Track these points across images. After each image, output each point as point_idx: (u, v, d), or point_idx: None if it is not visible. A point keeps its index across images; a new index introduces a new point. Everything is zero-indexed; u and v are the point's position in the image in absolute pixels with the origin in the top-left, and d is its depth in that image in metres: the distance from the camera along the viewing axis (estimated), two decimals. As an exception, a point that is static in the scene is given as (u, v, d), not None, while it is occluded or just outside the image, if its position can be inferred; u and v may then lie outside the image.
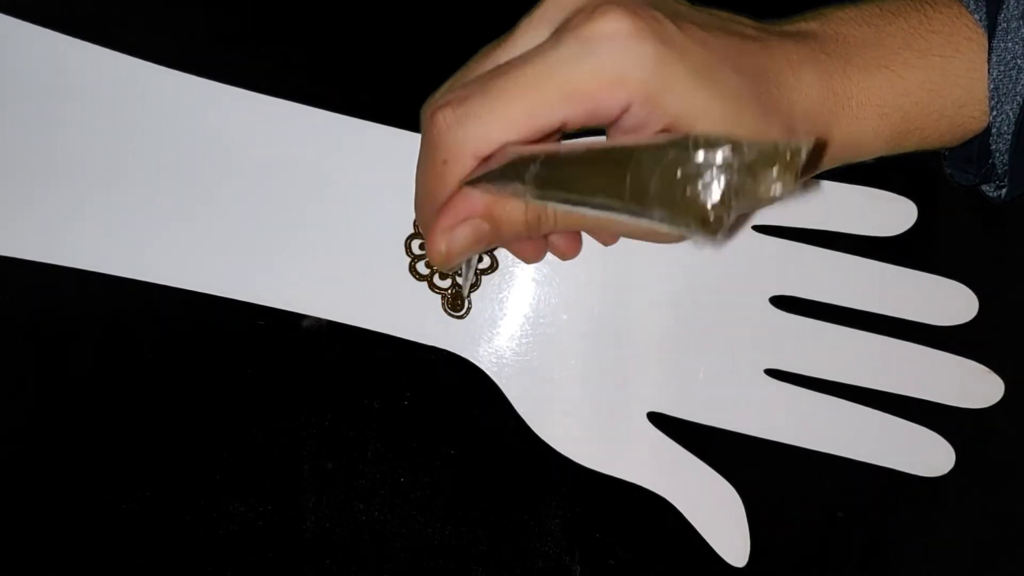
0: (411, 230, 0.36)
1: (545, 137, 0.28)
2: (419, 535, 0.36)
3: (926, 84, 0.31)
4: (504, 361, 0.37)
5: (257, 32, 0.38)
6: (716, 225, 0.25)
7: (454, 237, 0.28)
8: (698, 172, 0.24)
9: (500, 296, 0.37)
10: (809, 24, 0.32)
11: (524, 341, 0.37)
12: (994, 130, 0.32)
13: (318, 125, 0.36)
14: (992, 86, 0.31)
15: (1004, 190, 0.34)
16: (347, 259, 0.36)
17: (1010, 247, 0.38)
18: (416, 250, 0.36)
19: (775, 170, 0.24)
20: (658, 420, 0.36)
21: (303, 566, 0.36)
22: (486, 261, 0.37)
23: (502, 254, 0.37)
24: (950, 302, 0.37)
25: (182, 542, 0.36)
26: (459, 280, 0.36)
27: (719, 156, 0.24)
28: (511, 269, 0.37)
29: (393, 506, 0.36)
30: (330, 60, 0.37)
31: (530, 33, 0.29)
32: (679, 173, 0.24)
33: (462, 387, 0.37)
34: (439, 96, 0.29)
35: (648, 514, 0.36)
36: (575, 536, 0.36)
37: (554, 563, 0.36)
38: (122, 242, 0.36)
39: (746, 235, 0.37)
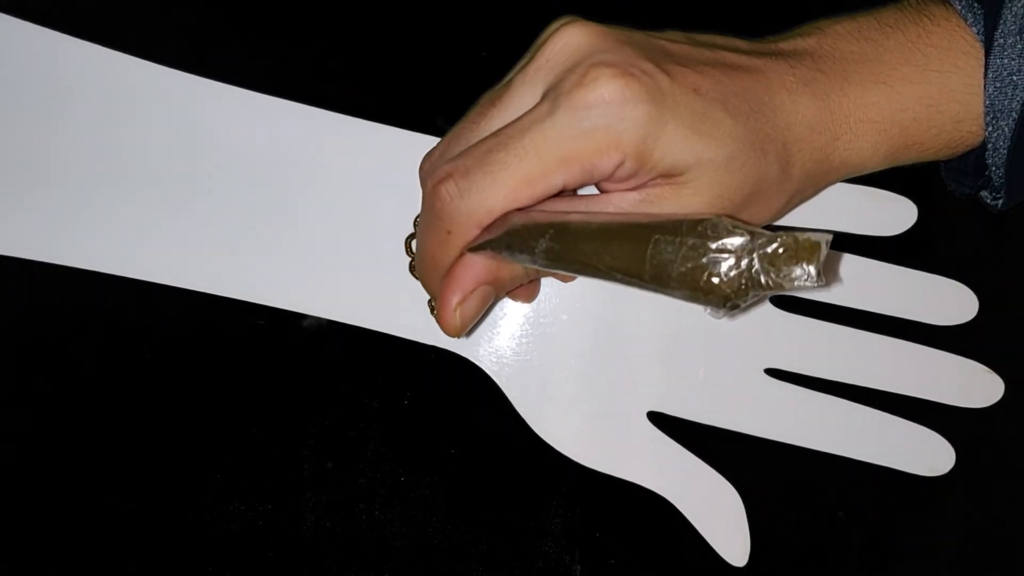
0: (411, 230, 0.36)
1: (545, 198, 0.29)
2: (419, 535, 0.36)
3: (924, 99, 0.31)
4: (504, 361, 0.37)
5: (257, 32, 0.38)
6: (735, 306, 0.25)
7: (465, 310, 0.30)
8: (717, 260, 0.25)
9: (500, 296, 0.37)
10: (806, 40, 0.32)
11: (524, 341, 0.37)
12: (990, 146, 0.32)
13: (318, 125, 0.36)
14: (988, 102, 0.31)
15: (1001, 201, 0.34)
16: (347, 259, 0.36)
17: (1010, 247, 0.38)
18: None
19: (795, 262, 0.25)
20: (658, 420, 0.36)
21: (303, 566, 0.36)
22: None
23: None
24: (950, 302, 0.37)
25: (182, 542, 0.36)
26: None
27: (738, 244, 0.25)
28: (511, 269, 0.37)
29: (393, 506, 0.36)
30: (330, 60, 0.37)
31: (524, 90, 0.29)
32: (699, 260, 0.25)
33: (462, 387, 0.37)
34: (438, 159, 0.30)
35: (648, 514, 0.36)
36: (575, 536, 0.36)
37: (554, 563, 0.36)
38: (122, 242, 0.36)
39: (746, 235, 0.37)
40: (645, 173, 0.28)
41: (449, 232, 0.29)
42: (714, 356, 0.37)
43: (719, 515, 0.36)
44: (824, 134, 0.31)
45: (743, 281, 0.25)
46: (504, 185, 0.28)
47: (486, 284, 0.30)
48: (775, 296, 0.37)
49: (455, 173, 0.28)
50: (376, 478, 0.36)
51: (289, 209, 0.36)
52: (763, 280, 0.25)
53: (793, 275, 0.25)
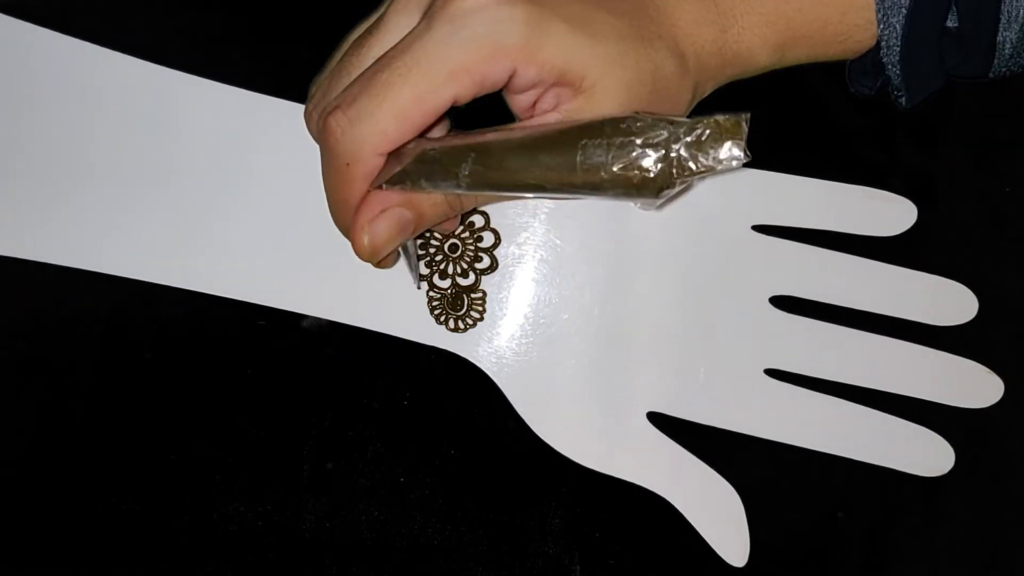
0: (411, 230, 0.36)
1: (439, 119, 0.28)
2: (419, 535, 0.36)
3: None
4: (504, 361, 0.37)
5: (257, 32, 0.38)
6: (667, 194, 0.27)
7: (375, 228, 0.29)
8: (646, 154, 0.26)
9: (500, 296, 0.37)
10: None
11: (524, 341, 0.37)
12: (883, 44, 0.32)
13: (318, 125, 0.36)
14: None
15: (904, 98, 0.34)
16: (347, 259, 0.36)
17: (1010, 247, 0.38)
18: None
19: (720, 144, 0.26)
20: (658, 420, 0.36)
21: (303, 566, 0.36)
22: (485, 261, 0.37)
23: (502, 255, 0.37)
24: (950, 302, 0.37)
25: (182, 542, 0.36)
26: (410, 272, 0.36)
27: (663, 137, 0.26)
28: (511, 269, 0.37)
29: (393, 506, 0.36)
30: (330, 60, 0.37)
31: (399, 17, 0.29)
32: (629, 156, 0.26)
33: (462, 387, 0.37)
34: (321, 98, 0.30)
35: (648, 514, 0.36)
36: (575, 536, 0.36)
37: (554, 563, 0.36)
38: (122, 242, 0.36)
39: (746, 235, 0.37)
40: (544, 77, 0.28)
41: (348, 165, 0.28)
42: (714, 356, 0.37)
43: (719, 515, 0.36)
44: (712, 27, 0.31)
45: (672, 170, 0.26)
46: (392, 106, 0.27)
47: (399, 207, 0.29)
48: (775, 296, 0.37)
49: (342, 104, 0.28)
50: (376, 478, 0.36)
51: (289, 209, 0.36)
52: (692, 165, 0.26)
53: (720, 156, 0.26)
